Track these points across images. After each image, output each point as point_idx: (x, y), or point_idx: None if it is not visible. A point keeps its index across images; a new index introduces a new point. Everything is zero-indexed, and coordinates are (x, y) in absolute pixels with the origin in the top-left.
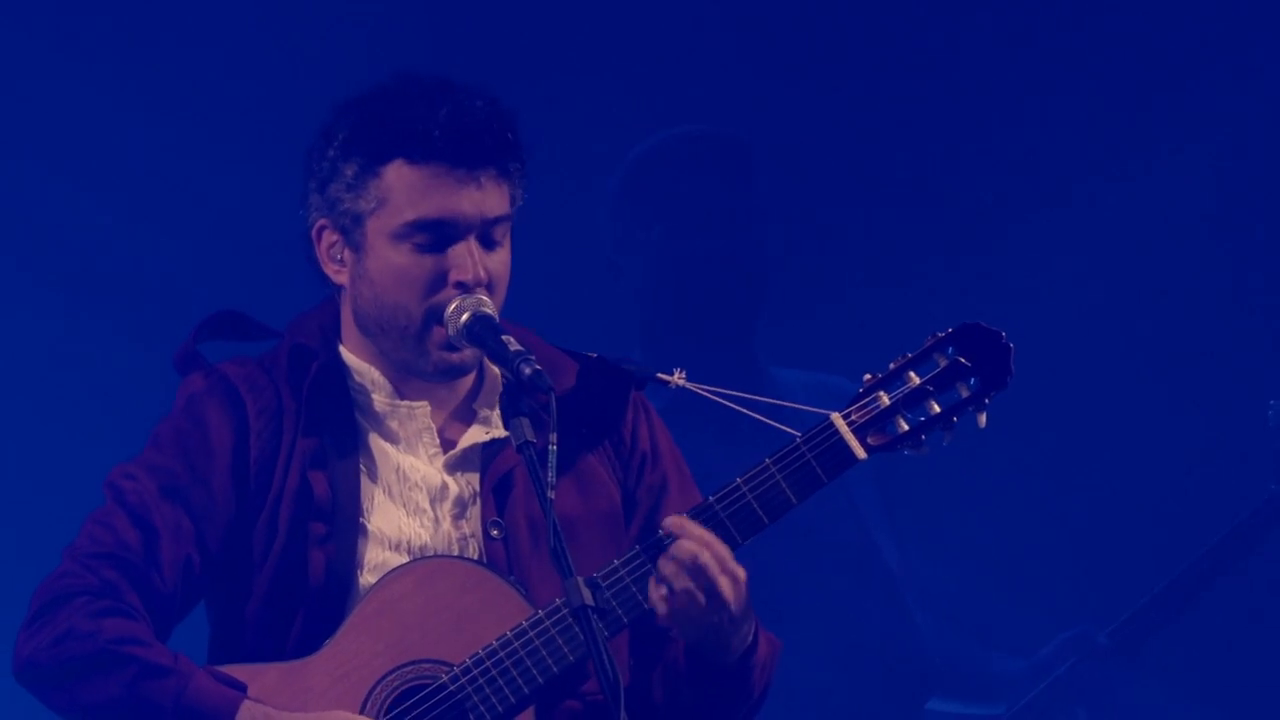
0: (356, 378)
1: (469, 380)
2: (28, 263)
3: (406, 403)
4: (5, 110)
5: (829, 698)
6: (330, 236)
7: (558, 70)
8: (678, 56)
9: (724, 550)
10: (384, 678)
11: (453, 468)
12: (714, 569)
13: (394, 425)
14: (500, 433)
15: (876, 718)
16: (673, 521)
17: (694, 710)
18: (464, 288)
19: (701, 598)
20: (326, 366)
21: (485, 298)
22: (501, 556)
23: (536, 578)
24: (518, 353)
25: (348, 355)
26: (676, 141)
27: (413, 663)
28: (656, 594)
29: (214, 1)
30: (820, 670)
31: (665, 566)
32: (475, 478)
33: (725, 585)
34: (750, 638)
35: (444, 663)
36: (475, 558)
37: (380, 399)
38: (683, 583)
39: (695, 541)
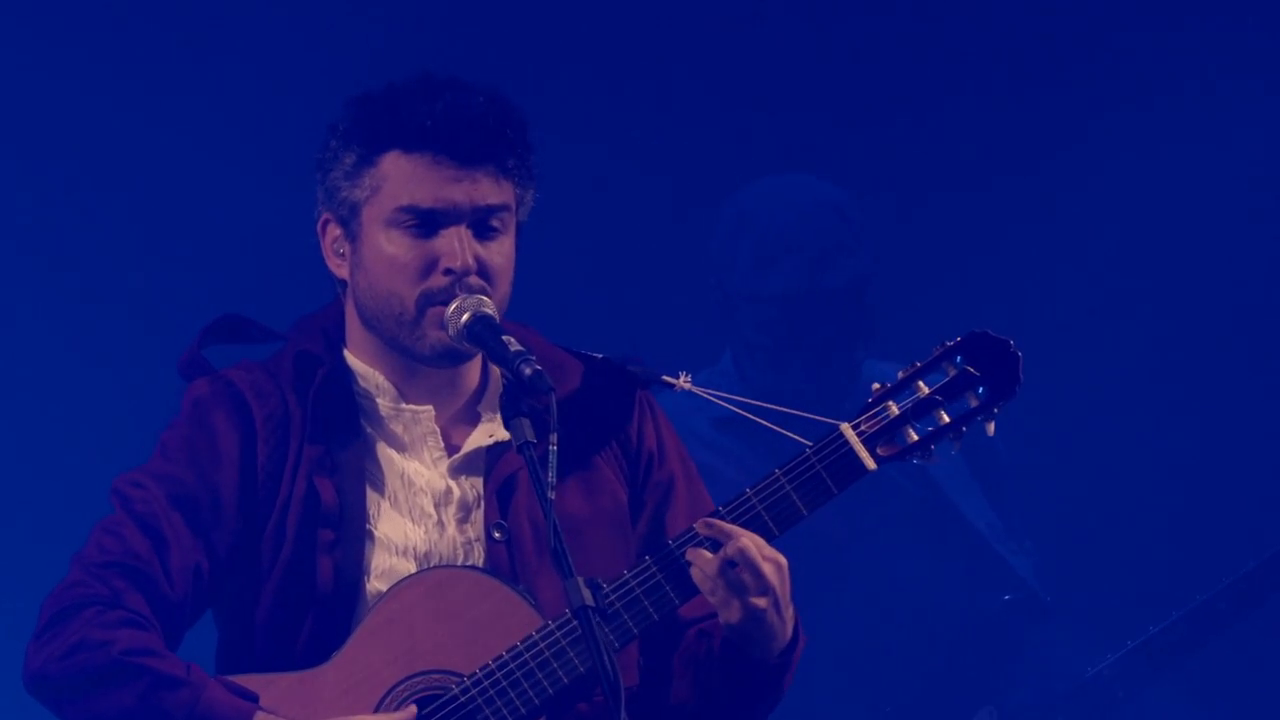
0: (361, 382)
1: (473, 382)
2: (32, 267)
3: (411, 407)
4: (10, 114)
5: (906, 663)
6: (334, 230)
7: (563, 69)
8: (678, 56)
9: (759, 538)
10: (394, 688)
11: (457, 471)
12: (755, 554)
13: (399, 430)
14: (504, 435)
15: (961, 681)
16: (701, 524)
17: (723, 710)
18: (453, 274)
19: (749, 581)
20: (332, 373)
21: (485, 298)
22: (504, 560)
23: (540, 581)
24: (518, 353)
25: (352, 359)
26: (788, 194)
27: (423, 673)
28: (704, 586)
29: (221, 7)
30: (894, 636)
31: (701, 560)
32: (479, 481)
33: (769, 570)
34: (791, 632)
35: (454, 673)
36: (480, 562)
37: (385, 404)
38: (726, 572)
39: (729, 533)
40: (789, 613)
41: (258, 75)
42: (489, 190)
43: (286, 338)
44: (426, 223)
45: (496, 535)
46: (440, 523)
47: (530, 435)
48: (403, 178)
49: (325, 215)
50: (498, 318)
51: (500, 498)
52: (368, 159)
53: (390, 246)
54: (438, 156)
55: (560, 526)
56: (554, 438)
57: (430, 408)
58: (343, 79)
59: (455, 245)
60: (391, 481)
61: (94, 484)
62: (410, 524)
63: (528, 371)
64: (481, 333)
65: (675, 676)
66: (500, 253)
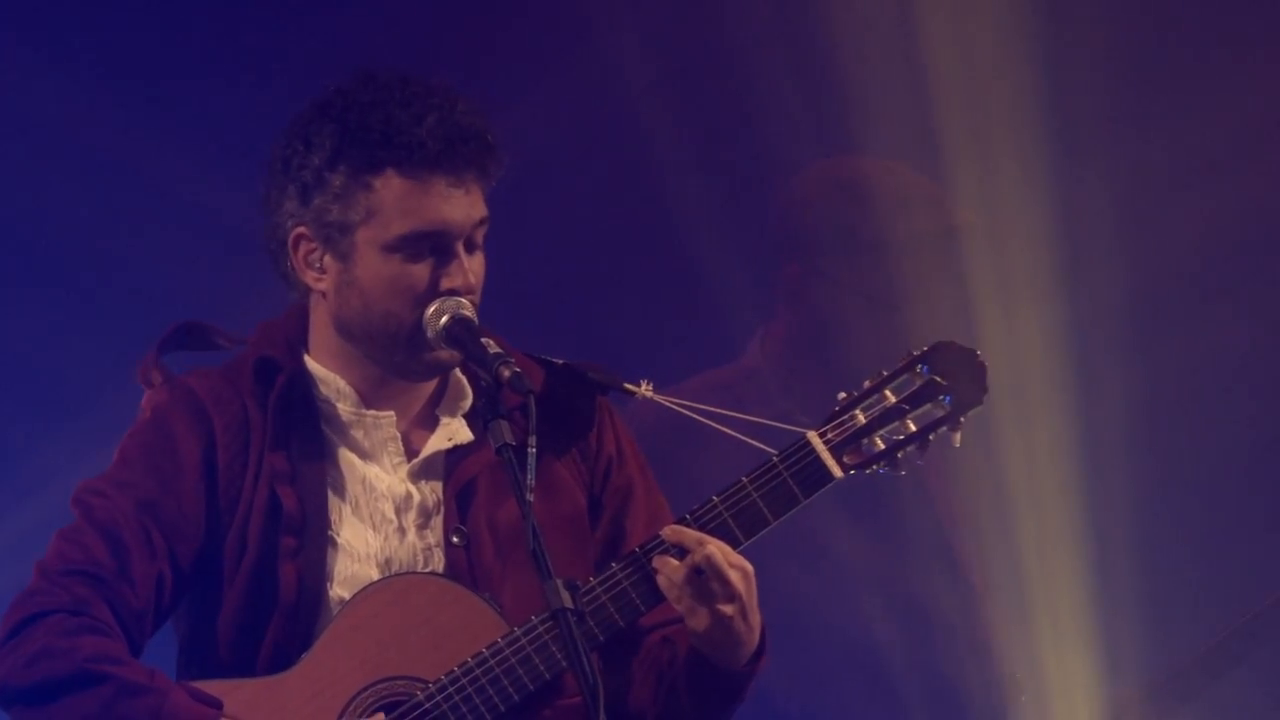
0: (322, 388)
1: (431, 386)
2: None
3: (372, 412)
4: None
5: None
6: (309, 245)
7: (548, 66)
8: (667, 56)
9: (726, 545)
10: (359, 694)
11: (416, 476)
12: (721, 561)
13: (359, 435)
14: (463, 438)
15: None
16: (668, 531)
17: (685, 717)
18: (455, 294)
19: (716, 588)
20: (292, 379)
21: (464, 299)
22: (463, 565)
23: (499, 585)
24: (497, 355)
25: (314, 365)
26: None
27: (388, 679)
28: (671, 594)
29: (189, 7)
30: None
31: (668, 568)
32: (439, 485)
33: (735, 578)
34: (758, 640)
35: (419, 680)
36: (439, 567)
37: (346, 409)
38: (693, 580)
39: (696, 541)
40: (755, 619)
41: (227, 74)
42: (478, 202)
43: (245, 343)
44: (427, 246)
45: (455, 540)
46: (400, 528)
47: (509, 437)
48: (401, 201)
49: (299, 230)
50: (476, 320)
51: (459, 502)
52: (360, 180)
53: (391, 269)
54: (434, 175)
55: (527, 530)
56: (533, 440)
57: (391, 413)
58: (311, 81)
59: (458, 268)
60: (353, 487)
61: (56, 492)
62: (371, 530)
63: (507, 374)
64: (461, 335)
65: (636, 682)
66: (481, 261)
